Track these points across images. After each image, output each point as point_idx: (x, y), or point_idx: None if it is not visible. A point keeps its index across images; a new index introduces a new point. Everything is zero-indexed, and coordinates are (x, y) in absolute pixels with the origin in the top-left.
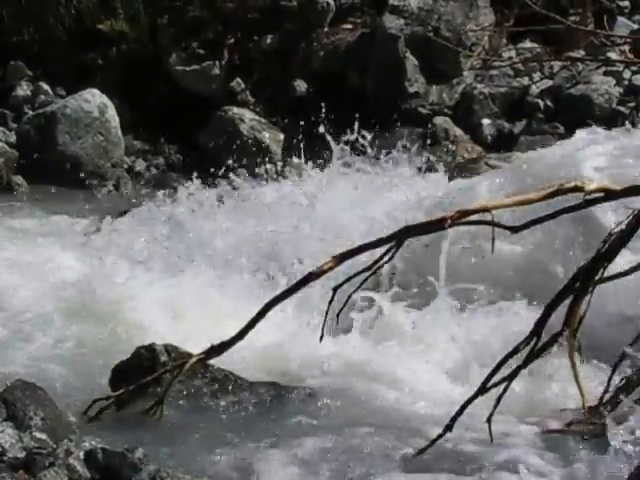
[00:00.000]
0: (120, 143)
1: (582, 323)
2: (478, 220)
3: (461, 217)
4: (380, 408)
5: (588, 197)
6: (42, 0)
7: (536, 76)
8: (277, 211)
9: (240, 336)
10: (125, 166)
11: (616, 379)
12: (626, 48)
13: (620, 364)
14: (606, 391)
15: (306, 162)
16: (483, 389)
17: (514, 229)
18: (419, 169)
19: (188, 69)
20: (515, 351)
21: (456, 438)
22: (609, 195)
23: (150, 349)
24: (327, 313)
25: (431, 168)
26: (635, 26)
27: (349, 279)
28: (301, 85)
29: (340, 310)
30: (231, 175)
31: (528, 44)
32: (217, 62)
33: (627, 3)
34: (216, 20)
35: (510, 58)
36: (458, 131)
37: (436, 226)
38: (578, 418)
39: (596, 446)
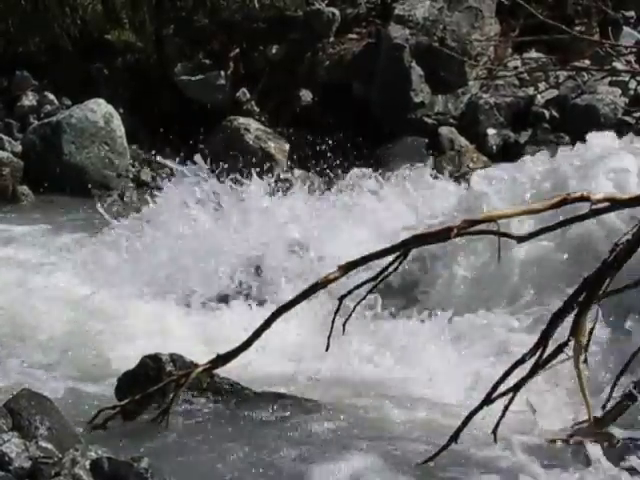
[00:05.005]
0: (125, 153)
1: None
2: (484, 230)
3: (467, 227)
4: (385, 419)
5: (594, 207)
6: (48, 10)
7: (541, 86)
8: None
9: (246, 346)
10: (130, 176)
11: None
12: (632, 58)
13: (624, 373)
14: (609, 400)
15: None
16: (488, 399)
17: (520, 239)
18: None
19: (193, 79)
20: (521, 361)
21: (462, 448)
22: (615, 204)
23: (156, 358)
24: (333, 323)
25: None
26: None
27: (356, 288)
28: (306, 95)
29: (346, 320)
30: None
31: (534, 54)
32: (222, 72)
33: (633, 13)
34: (221, 30)
35: (515, 68)
36: (463, 141)
37: (442, 236)
38: (583, 428)
39: (600, 455)
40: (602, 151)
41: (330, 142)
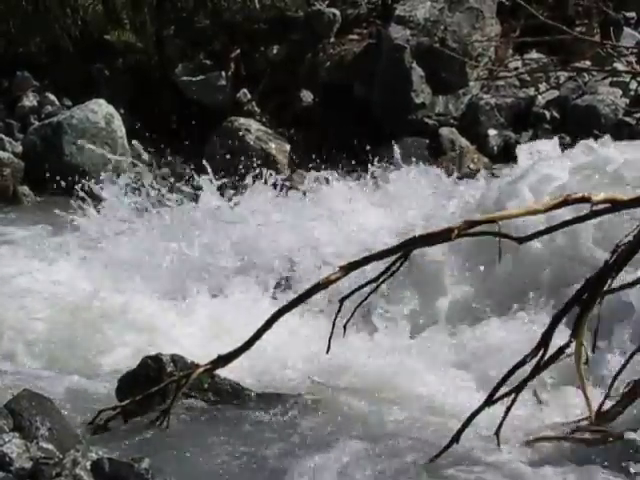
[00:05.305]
0: (126, 153)
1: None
2: (485, 231)
3: (468, 228)
4: (388, 419)
5: (595, 208)
6: (49, 11)
7: (542, 87)
8: None
9: (247, 347)
10: (131, 177)
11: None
12: (632, 59)
13: (622, 371)
14: (607, 396)
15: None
16: (490, 401)
17: (521, 240)
18: None
19: (194, 80)
20: (522, 363)
21: (465, 448)
22: (616, 206)
23: (156, 359)
24: (334, 324)
25: None
26: None
27: (357, 289)
28: (307, 96)
29: (347, 321)
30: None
31: (534, 55)
32: (223, 73)
33: (633, 14)
34: (222, 31)
35: (516, 69)
36: (464, 142)
37: (443, 237)
38: (583, 426)
39: (601, 454)
40: (531, 163)
41: (331, 143)
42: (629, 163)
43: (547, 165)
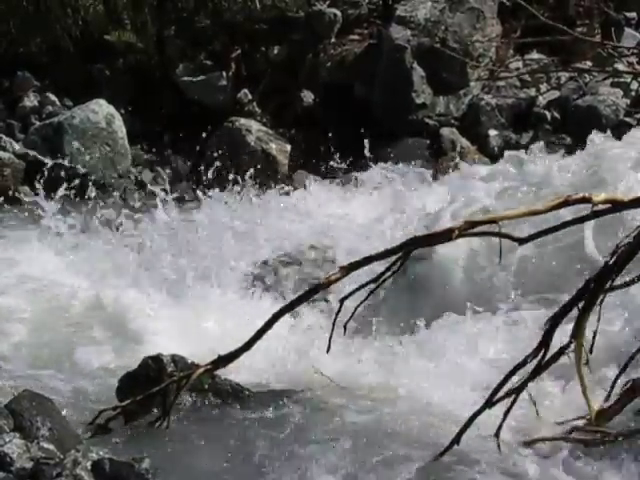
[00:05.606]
0: (127, 154)
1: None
2: (485, 231)
3: (469, 228)
4: (388, 419)
5: (596, 208)
6: (49, 11)
7: (543, 87)
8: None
9: (247, 347)
10: (132, 177)
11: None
12: (633, 59)
13: (623, 373)
14: (608, 397)
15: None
16: (490, 402)
17: (521, 240)
18: None
19: (195, 80)
20: (522, 364)
21: (465, 448)
22: (617, 206)
23: (157, 359)
24: (334, 324)
25: None
26: None
27: (357, 290)
28: (308, 96)
29: (347, 321)
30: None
31: (535, 55)
32: (224, 73)
33: (634, 14)
34: (223, 31)
35: (517, 69)
36: (465, 142)
37: (443, 237)
38: (581, 426)
39: (600, 454)
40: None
41: (331, 143)
42: (561, 170)
43: (472, 188)
